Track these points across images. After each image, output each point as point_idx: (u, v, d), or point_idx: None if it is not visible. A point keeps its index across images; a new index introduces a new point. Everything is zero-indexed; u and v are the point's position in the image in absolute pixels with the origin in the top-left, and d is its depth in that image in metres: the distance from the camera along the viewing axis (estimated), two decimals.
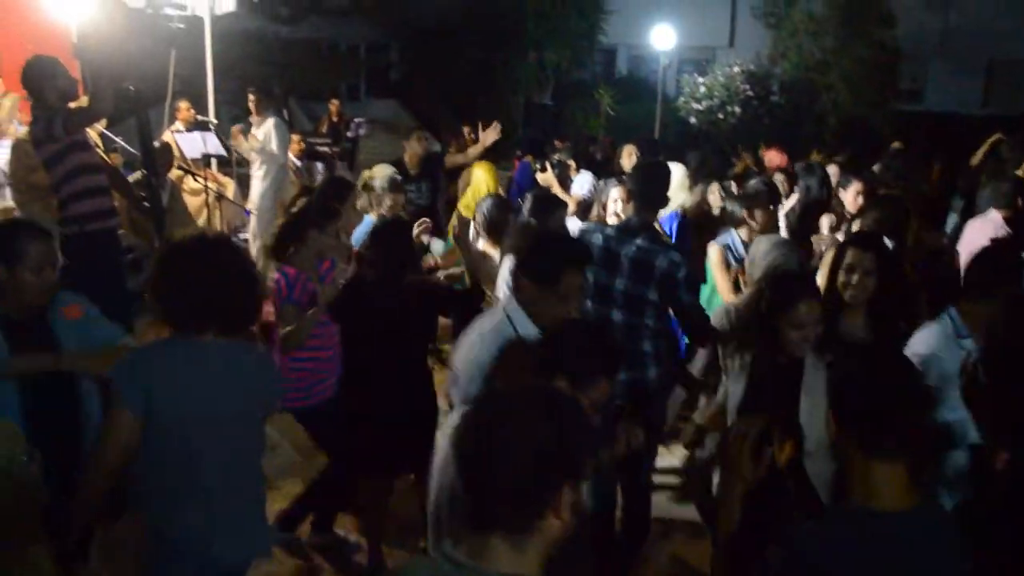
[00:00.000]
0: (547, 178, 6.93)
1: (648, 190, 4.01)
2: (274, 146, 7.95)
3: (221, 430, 2.55)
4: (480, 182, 6.86)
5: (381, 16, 19.79)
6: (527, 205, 4.83)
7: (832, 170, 7.20)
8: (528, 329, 2.80)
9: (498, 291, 4.99)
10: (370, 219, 5.13)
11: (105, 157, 4.92)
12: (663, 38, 18.51)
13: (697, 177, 6.81)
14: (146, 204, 4.93)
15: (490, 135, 7.20)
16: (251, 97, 8.15)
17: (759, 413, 2.26)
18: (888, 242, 4.06)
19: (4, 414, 2.64)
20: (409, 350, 4.05)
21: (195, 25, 7.97)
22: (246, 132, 8.03)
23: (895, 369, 1.98)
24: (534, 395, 1.63)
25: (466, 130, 9.49)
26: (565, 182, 7.31)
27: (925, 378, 2.14)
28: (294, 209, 4.39)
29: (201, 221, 8.34)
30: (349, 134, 10.48)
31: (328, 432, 3.74)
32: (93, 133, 6.13)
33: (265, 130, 7.96)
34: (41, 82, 4.63)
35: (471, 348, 2.86)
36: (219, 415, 2.55)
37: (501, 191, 7.28)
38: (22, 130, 8.69)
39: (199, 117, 8.89)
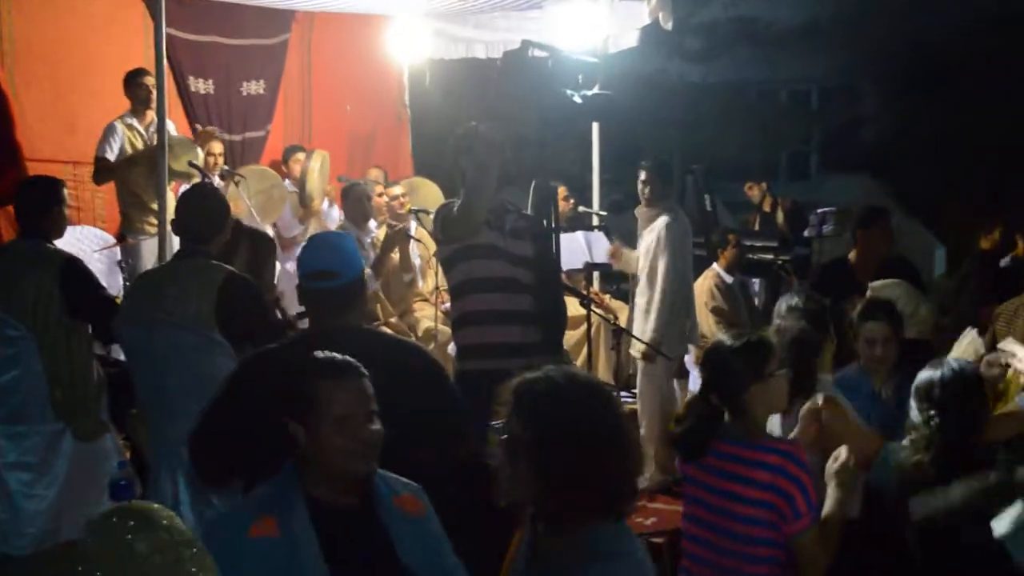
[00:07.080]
0: None
1: None
2: (662, 261, 5.35)
3: None
4: None
5: (846, 41, 13.47)
6: None
7: None
8: None
9: None
10: None
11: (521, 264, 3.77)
12: None
13: None
14: None
15: None
16: (642, 177, 5.51)
17: None
18: None
19: None
20: None
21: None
22: None
23: None
24: None
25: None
26: None
27: None
28: None
29: (580, 360, 5.99)
30: (806, 232, 7.11)
31: None
32: None
33: (652, 234, 5.48)
34: (457, 155, 4.08)
35: None
36: None
37: None
38: (335, 215, 7.19)
39: (581, 208, 6.69)
